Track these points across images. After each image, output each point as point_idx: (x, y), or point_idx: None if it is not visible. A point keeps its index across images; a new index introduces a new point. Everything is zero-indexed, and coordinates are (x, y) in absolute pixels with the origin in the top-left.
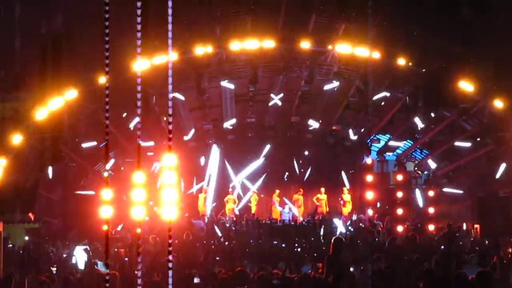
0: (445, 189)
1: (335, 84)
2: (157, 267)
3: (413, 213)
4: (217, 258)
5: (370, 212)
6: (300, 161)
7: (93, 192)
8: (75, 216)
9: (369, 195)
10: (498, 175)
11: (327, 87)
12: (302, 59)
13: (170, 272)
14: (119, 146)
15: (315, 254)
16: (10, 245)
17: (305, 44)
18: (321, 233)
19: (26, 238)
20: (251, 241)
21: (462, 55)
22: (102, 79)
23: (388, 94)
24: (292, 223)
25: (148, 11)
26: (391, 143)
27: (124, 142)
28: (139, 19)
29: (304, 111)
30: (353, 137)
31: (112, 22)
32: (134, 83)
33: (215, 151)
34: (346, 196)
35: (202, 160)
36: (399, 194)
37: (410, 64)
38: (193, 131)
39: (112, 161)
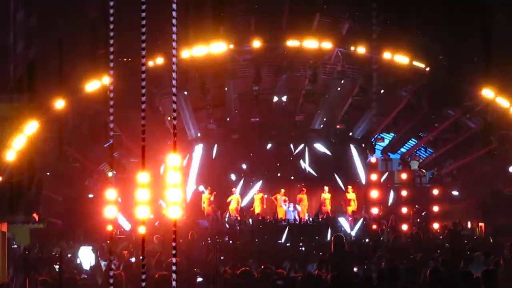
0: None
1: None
2: (162, 267)
3: (418, 212)
4: (222, 257)
5: (374, 211)
6: (304, 161)
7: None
8: (80, 217)
9: (374, 193)
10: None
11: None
12: (306, 58)
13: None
14: (123, 146)
15: (320, 253)
16: (15, 246)
17: (309, 43)
18: (327, 232)
19: (31, 238)
20: (256, 240)
21: (466, 53)
22: (107, 80)
23: (392, 93)
24: (297, 222)
25: (152, 12)
26: (395, 141)
27: (129, 142)
28: (143, 22)
29: (308, 110)
30: (357, 136)
31: (116, 22)
32: (139, 83)
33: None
34: (351, 195)
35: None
36: (403, 193)
37: (413, 62)
38: (197, 131)
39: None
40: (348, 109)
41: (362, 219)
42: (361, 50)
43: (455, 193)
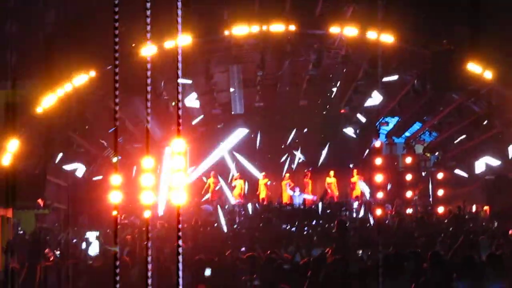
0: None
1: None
2: (166, 253)
3: (422, 196)
4: (229, 242)
5: (379, 195)
6: (309, 145)
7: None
8: (84, 202)
9: (378, 178)
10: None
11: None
12: (310, 43)
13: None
14: (127, 131)
15: (325, 238)
16: (21, 232)
17: (313, 28)
18: (331, 216)
19: (36, 224)
20: (261, 225)
21: (470, 37)
22: (111, 65)
23: (396, 77)
24: (302, 207)
25: None
26: (400, 126)
27: (133, 127)
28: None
29: (312, 95)
30: (361, 120)
31: (121, 7)
32: (143, 68)
33: None
34: (355, 178)
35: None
36: (408, 177)
37: (418, 46)
38: (201, 116)
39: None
40: (352, 94)
41: (366, 203)
42: (365, 34)
43: (459, 176)
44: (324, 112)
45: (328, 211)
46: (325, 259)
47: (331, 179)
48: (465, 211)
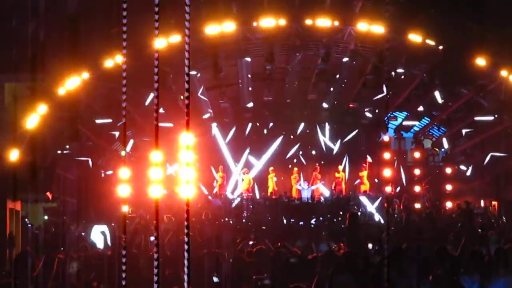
0: (462, 167)
1: None
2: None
3: (430, 190)
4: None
5: (387, 189)
6: (317, 140)
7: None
8: (92, 196)
9: (387, 172)
10: None
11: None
12: (319, 37)
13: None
14: (136, 125)
15: (333, 232)
16: (30, 225)
17: (322, 22)
18: (340, 210)
19: (45, 217)
20: (269, 218)
21: (479, 31)
22: (119, 58)
23: (405, 72)
24: (310, 201)
25: None
26: (408, 121)
27: (142, 121)
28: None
29: (321, 89)
30: (370, 114)
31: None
32: (151, 61)
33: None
34: (363, 173)
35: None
36: (417, 172)
37: (427, 41)
38: (210, 110)
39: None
40: (361, 88)
41: (375, 197)
42: (374, 28)
43: (468, 172)
44: (333, 107)
45: (336, 205)
46: (335, 253)
47: (339, 174)
48: (473, 206)
